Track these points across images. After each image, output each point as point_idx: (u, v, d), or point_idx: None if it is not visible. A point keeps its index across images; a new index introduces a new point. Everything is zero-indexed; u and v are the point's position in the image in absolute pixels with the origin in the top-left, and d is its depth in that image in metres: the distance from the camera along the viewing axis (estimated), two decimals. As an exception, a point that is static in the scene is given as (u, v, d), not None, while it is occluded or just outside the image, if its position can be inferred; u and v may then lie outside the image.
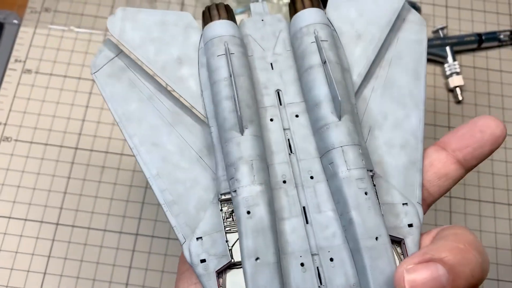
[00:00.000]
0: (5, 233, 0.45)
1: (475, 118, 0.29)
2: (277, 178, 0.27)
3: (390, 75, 0.31)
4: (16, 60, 0.50)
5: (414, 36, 0.32)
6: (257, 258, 0.24)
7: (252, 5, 0.32)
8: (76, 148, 0.47)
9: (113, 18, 0.31)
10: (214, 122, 0.28)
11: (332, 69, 0.28)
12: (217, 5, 0.31)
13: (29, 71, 0.50)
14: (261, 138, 0.27)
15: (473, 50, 0.52)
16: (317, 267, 0.25)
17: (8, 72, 0.50)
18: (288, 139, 0.28)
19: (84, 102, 0.49)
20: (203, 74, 0.29)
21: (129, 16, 0.31)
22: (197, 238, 0.26)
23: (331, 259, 0.25)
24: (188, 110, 0.30)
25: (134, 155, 0.29)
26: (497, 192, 0.47)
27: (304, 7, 0.31)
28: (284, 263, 0.25)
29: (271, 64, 0.30)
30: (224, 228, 0.26)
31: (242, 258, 0.24)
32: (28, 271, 0.44)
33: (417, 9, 0.52)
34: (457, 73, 0.50)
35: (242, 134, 0.27)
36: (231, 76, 0.28)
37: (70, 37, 0.52)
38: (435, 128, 0.49)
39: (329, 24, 0.30)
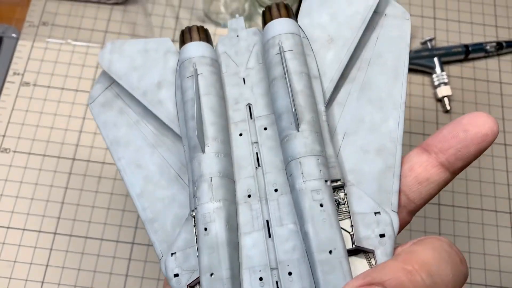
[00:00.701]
0: (3, 243, 0.45)
1: (461, 116, 0.26)
2: (243, 193, 0.27)
3: (368, 76, 0.29)
4: (14, 73, 0.51)
5: (395, 32, 0.30)
6: (211, 274, 0.24)
7: (229, 22, 0.32)
8: (74, 159, 0.48)
9: (102, 52, 0.32)
10: (186, 141, 0.28)
11: (292, 79, 0.27)
12: (189, 28, 0.31)
13: (27, 83, 0.51)
14: (225, 154, 0.27)
15: (460, 61, 0.53)
16: (276, 281, 0.25)
17: (6, 84, 0.51)
18: (256, 153, 0.28)
19: (81, 113, 0.50)
20: (178, 95, 0.30)
21: (116, 49, 0.32)
22: (172, 254, 0.26)
23: (290, 273, 0.25)
24: (170, 131, 0.30)
25: (122, 177, 0.30)
26: (484, 199, 0.48)
27: (272, 18, 0.30)
28: (243, 278, 0.25)
29: (244, 79, 0.30)
30: (197, 243, 0.26)
31: (199, 273, 0.25)
32: (26, 280, 0.44)
33: None
34: (445, 83, 0.51)
35: (203, 152, 0.27)
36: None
37: (67, 50, 0.53)
38: (424, 137, 0.50)
39: (297, 33, 0.29)
